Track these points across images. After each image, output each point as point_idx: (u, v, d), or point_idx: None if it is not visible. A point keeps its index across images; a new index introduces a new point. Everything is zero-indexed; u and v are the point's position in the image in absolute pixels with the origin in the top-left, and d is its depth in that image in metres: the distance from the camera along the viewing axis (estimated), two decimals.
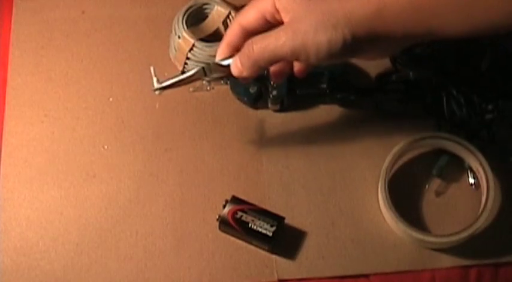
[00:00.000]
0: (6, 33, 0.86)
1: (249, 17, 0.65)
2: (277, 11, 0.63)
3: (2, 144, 0.79)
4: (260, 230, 0.71)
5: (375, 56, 0.66)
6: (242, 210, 0.72)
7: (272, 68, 0.70)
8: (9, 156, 0.78)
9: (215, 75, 0.69)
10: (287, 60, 0.64)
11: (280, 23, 0.63)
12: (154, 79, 0.70)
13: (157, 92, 0.70)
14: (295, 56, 0.61)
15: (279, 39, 0.61)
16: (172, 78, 0.70)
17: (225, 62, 0.68)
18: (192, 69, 0.69)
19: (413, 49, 0.81)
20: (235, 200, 0.73)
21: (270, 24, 0.65)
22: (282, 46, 0.61)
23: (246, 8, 0.66)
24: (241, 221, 0.72)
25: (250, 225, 0.71)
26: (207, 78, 0.70)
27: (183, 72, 0.71)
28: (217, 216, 0.73)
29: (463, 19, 0.57)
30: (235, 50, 0.67)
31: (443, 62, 0.80)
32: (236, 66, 0.66)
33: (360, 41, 0.59)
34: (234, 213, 0.72)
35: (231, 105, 0.81)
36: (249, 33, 0.66)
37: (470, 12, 0.56)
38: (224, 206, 0.73)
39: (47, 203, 0.76)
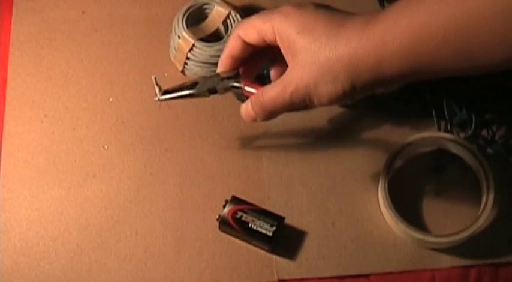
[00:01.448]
0: (6, 33, 0.86)
1: (249, 35, 0.66)
2: (276, 40, 0.64)
3: (2, 144, 0.79)
4: (260, 230, 0.71)
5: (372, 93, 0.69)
6: (242, 210, 0.72)
7: None
8: (9, 156, 0.78)
9: (220, 93, 0.70)
10: (297, 109, 0.67)
11: (278, 47, 0.64)
12: (157, 88, 0.71)
13: (158, 102, 0.71)
14: (303, 104, 0.63)
15: (286, 92, 0.63)
16: (175, 91, 0.70)
17: (237, 84, 0.69)
18: (196, 84, 0.70)
19: None
20: (235, 200, 0.73)
21: (270, 46, 0.66)
22: (290, 97, 0.63)
23: (247, 25, 0.66)
24: (241, 221, 0.72)
25: (250, 225, 0.72)
26: (210, 97, 0.71)
27: (188, 88, 0.71)
28: (217, 216, 0.73)
29: (463, 62, 0.57)
30: (237, 61, 0.68)
31: None
32: (249, 113, 0.68)
33: (359, 90, 0.61)
34: (234, 213, 0.72)
35: (231, 105, 0.81)
36: (250, 46, 0.67)
37: (470, 56, 0.56)
38: (224, 206, 0.73)
39: (47, 203, 0.76)
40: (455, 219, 0.75)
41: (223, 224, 0.72)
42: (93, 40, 0.86)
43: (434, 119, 0.79)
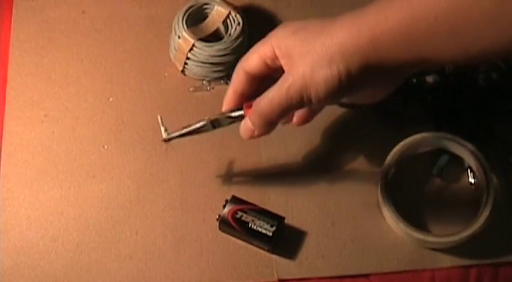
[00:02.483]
0: (6, 33, 0.86)
1: (251, 62, 0.66)
2: (277, 57, 0.64)
3: (2, 144, 0.79)
4: (260, 230, 0.71)
5: (373, 95, 0.67)
6: (242, 210, 0.72)
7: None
8: (9, 156, 0.78)
9: (224, 126, 0.71)
10: (295, 108, 0.65)
11: (281, 68, 0.64)
12: (162, 129, 0.73)
13: (165, 142, 0.73)
14: (300, 100, 0.62)
15: (282, 89, 0.62)
16: (180, 129, 0.72)
17: (235, 113, 0.69)
18: (200, 122, 0.71)
19: None
20: (235, 200, 0.73)
21: (272, 70, 0.66)
22: (287, 94, 0.62)
23: (248, 54, 0.67)
24: (241, 221, 0.72)
25: (250, 225, 0.71)
26: (215, 130, 0.72)
27: (195, 127, 0.72)
28: (217, 216, 0.73)
29: (455, 47, 0.57)
30: (242, 97, 0.68)
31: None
32: (247, 127, 0.67)
33: (355, 75, 0.60)
34: (234, 213, 0.72)
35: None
36: (254, 79, 0.67)
37: (462, 40, 0.56)
38: (224, 206, 0.73)
39: (47, 203, 0.76)
40: (455, 219, 0.75)
41: (223, 224, 0.72)
42: (93, 40, 0.86)
43: (434, 119, 0.79)
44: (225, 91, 0.81)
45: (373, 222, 0.75)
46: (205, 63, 0.80)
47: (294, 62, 0.62)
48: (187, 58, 0.81)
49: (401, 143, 0.76)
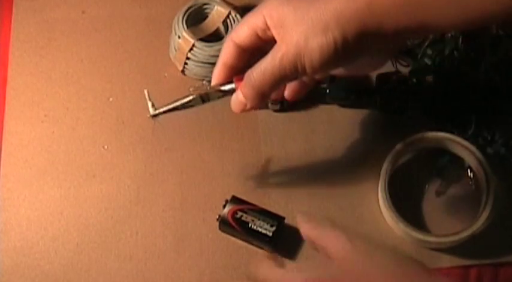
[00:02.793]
0: (6, 33, 0.86)
1: (241, 34, 0.64)
2: (268, 27, 0.62)
3: (2, 144, 0.79)
4: (260, 230, 0.71)
5: (370, 65, 0.65)
6: (242, 210, 0.72)
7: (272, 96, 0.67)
8: (9, 156, 0.78)
9: (213, 100, 0.68)
10: (288, 79, 0.62)
11: (272, 39, 0.62)
12: (149, 104, 0.70)
13: (152, 118, 0.69)
14: (294, 70, 0.60)
15: (275, 58, 0.60)
16: (168, 104, 0.68)
17: (225, 87, 0.67)
18: (188, 96, 0.67)
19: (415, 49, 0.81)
20: (235, 200, 0.73)
21: (263, 41, 0.63)
22: (280, 64, 0.60)
23: (239, 26, 0.65)
24: (241, 220, 0.72)
25: (250, 225, 0.71)
26: (204, 104, 0.69)
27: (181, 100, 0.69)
28: (217, 216, 0.73)
29: (456, 10, 0.55)
30: (231, 71, 0.66)
31: (444, 64, 0.80)
32: (239, 100, 0.65)
33: (351, 43, 0.58)
34: (234, 213, 0.72)
35: (231, 105, 0.81)
36: (244, 52, 0.65)
37: (463, 2, 0.55)
38: (224, 206, 0.73)
39: (47, 203, 0.76)
40: (455, 219, 0.75)
41: (223, 223, 0.72)
42: (93, 40, 0.86)
43: (434, 119, 0.79)
44: None
45: (373, 222, 0.75)
46: (205, 63, 0.80)
47: (287, 31, 0.59)
48: (187, 58, 0.81)
49: (401, 143, 0.76)
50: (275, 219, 0.72)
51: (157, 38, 0.86)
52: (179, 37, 0.81)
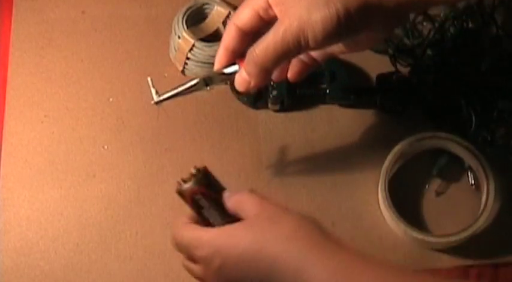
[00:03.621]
0: (6, 33, 0.86)
1: (243, 16, 0.63)
2: (270, 5, 0.61)
3: (2, 144, 0.79)
4: (212, 221, 0.64)
5: (371, 39, 0.64)
6: (203, 194, 0.64)
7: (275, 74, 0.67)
8: (9, 156, 0.78)
9: (217, 84, 0.67)
10: (292, 53, 0.61)
11: (274, 18, 0.61)
12: (153, 91, 0.68)
13: (156, 105, 0.67)
14: (297, 44, 0.59)
15: (277, 33, 0.59)
16: (171, 90, 0.66)
17: (228, 70, 0.66)
18: (192, 80, 0.66)
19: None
20: (204, 178, 0.65)
21: (265, 22, 0.63)
22: (283, 38, 0.59)
23: (240, 8, 0.64)
24: (197, 204, 0.64)
25: (203, 211, 0.64)
26: (209, 88, 0.68)
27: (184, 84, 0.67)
28: (178, 183, 0.65)
29: None
30: (233, 55, 0.65)
31: (444, 64, 0.80)
32: (242, 78, 0.64)
33: (354, 15, 0.57)
34: (194, 193, 0.64)
35: (231, 105, 0.81)
36: (246, 35, 0.64)
37: None
38: (193, 176, 0.64)
39: (47, 203, 0.76)
40: (455, 219, 0.75)
41: (180, 195, 0.65)
42: (93, 40, 0.86)
43: (434, 119, 0.79)
44: (225, 91, 0.81)
45: (373, 222, 0.75)
46: (205, 63, 0.80)
47: (289, 6, 0.59)
48: (187, 58, 0.81)
49: (401, 143, 0.76)
50: (230, 217, 0.64)
51: (157, 38, 0.85)
52: (179, 37, 0.81)
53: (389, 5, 0.58)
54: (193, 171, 0.65)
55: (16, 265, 0.73)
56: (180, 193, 0.65)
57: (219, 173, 0.78)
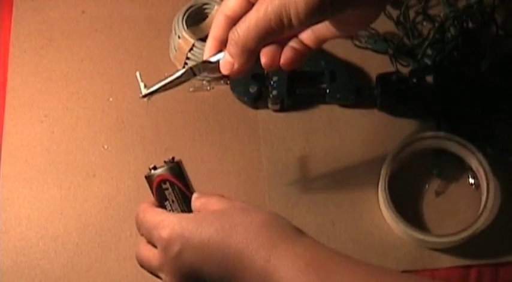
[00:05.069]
0: (6, 33, 0.86)
1: (231, 3, 0.62)
2: None
3: (2, 144, 0.79)
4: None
5: (362, 19, 0.62)
6: (171, 184, 0.64)
7: (263, 59, 0.64)
8: (9, 156, 0.78)
9: (205, 74, 0.65)
10: (274, 32, 0.59)
11: None
12: (142, 85, 0.65)
13: (145, 99, 0.65)
14: (279, 21, 0.57)
15: (259, 10, 0.57)
16: (159, 81, 0.64)
17: (213, 58, 0.64)
18: (179, 70, 0.64)
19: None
20: (176, 169, 0.64)
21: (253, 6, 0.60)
22: (264, 15, 0.57)
23: None
24: (162, 192, 0.64)
25: (166, 203, 0.64)
26: (198, 78, 0.66)
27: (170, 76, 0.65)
28: (149, 168, 0.65)
29: None
30: (223, 44, 0.63)
31: (444, 64, 0.80)
32: (226, 60, 0.62)
33: None
34: (162, 181, 0.64)
35: (231, 105, 0.81)
36: (234, 22, 0.62)
37: None
38: (165, 163, 0.64)
39: (47, 203, 0.76)
40: (455, 219, 0.75)
41: (147, 180, 0.65)
42: (93, 40, 0.86)
43: (434, 119, 0.79)
44: (225, 91, 0.81)
45: (373, 222, 0.75)
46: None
47: None
48: (187, 58, 0.81)
49: (401, 143, 0.76)
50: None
51: (157, 38, 0.85)
52: (179, 37, 0.81)
53: None
54: (167, 159, 0.65)
55: (16, 265, 0.73)
56: (149, 178, 0.65)
57: (219, 173, 0.78)
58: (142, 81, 0.65)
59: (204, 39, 0.81)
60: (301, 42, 0.63)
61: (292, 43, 0.63)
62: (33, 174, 0.77)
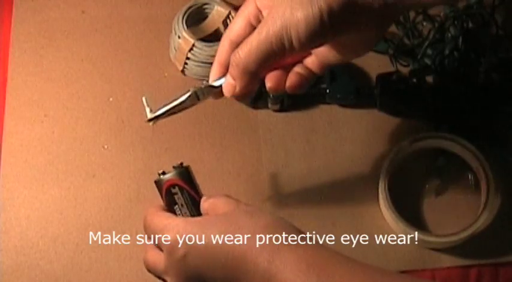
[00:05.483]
0: (6, 33, 0.86)
1: (236, 28, 0.63)
2: (260, 11, 0.61)
3: (2, 144, 0.79)
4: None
5: (364, 42, 0.63)
6: (181, 188, 0.64)
7: (268, 83, 0.64)
8: (9, 156, 0.78)
9: (210, 98, 0.66)
10: (275, 55, 0.60)
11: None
12: (147, 109, 0.66)
13: (150, 123, 0.66)
14: (280, 44, 0.58)
15: (261, 33, 0.58)
16: (164, 106, 0.66)
17: (217, 83, 0.65)
18: (184, 94, 0.65)
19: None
20: (185, 173, 0.65)
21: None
22: (265, 38, 0.58)
23: (233, 20, 0.64)
24: (172, 197, 0.64)
25: (175, 207, 0.64)
26: (200, 102, 0.67)
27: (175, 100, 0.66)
28: (158, 174, 0.65)
29: None
30: (227, 69, 0.64)
31: (444, 64, 0.80)
32: (228, 82, 0.63)
33: (337, 13, 0.56)
34: (171, 186, 0.65)
35: (231, 105, 0.81)
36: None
37: None
38: (174, 168, 0.65)
39: (47, 203, 0.76)
40: (455, 219, 0.75)
41: (157, 185, 0.66)
42: (93, 40, 0.86)
43: (434, 120, 0.79)
44: None
45: (373, 222, 0.75)
46: (205, 63, 0.80)
47: (275, 6, 0.58)
48: (187, 58, 0.81)
49: (401, 143, 0.76)
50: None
51: (157, 38, 0.85)
52: (179, 37, 0.81)
53: (375, 5, 0.57)
54: (176, 164, 0.65)
55: (16, 265, 0.73)
56: (158, 182, 0.65)
57: (219, 173, 0.78)
58: (148, 105, 0.67)
59: (204, 39, 0.81)
60: (306, 67, 0.64)
61: (297, 68, 0.64)
62: (33, 174, 0.77)
